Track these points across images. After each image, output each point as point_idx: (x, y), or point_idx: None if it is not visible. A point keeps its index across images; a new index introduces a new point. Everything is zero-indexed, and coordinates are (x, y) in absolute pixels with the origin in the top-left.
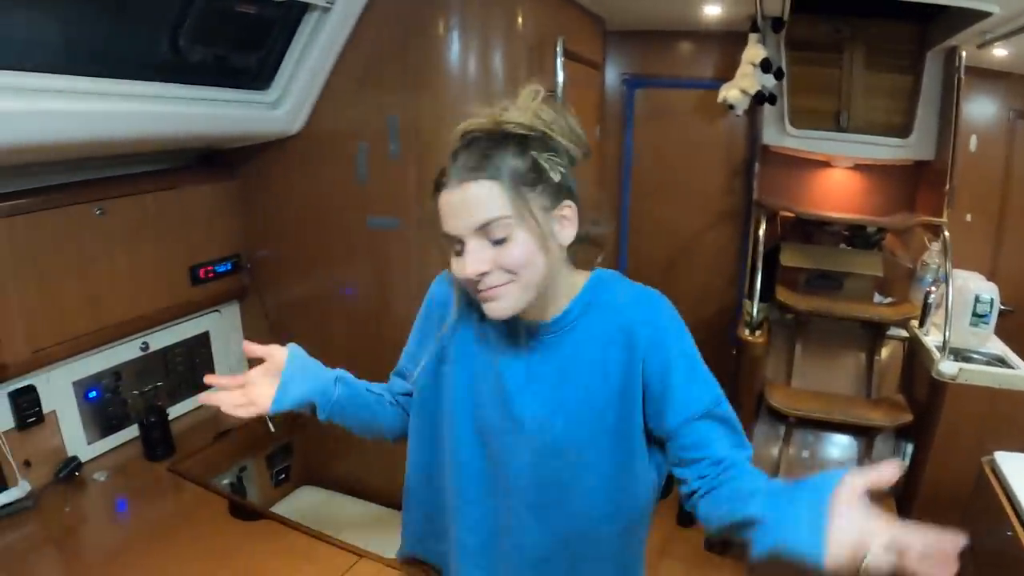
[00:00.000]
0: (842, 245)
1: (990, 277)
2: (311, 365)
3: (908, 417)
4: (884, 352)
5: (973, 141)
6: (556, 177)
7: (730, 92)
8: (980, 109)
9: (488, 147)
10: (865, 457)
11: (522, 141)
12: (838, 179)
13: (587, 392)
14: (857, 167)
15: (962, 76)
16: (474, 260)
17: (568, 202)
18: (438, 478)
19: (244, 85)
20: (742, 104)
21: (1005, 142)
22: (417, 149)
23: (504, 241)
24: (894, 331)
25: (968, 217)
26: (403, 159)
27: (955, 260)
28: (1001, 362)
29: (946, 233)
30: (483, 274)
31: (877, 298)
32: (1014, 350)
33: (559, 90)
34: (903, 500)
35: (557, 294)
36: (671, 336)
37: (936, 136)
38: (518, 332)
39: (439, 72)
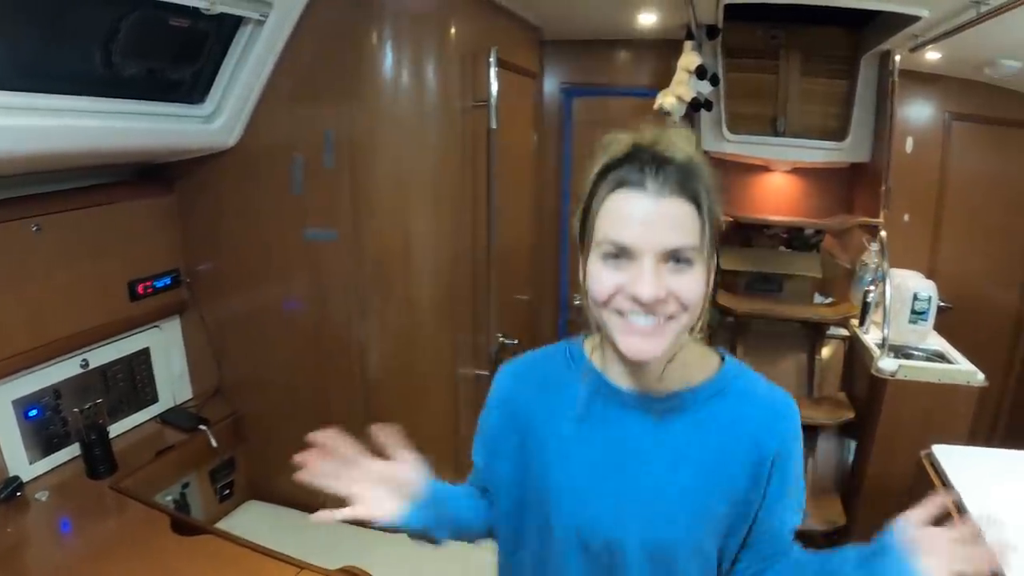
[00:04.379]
0: (781, 248)
1: (929, 275)
2: (439, 495)
3: (850, 414)
4: (825, 351)
5: (909, 143)
6: (717, 224)
7: (666, 99)
8: (916, 112)
9: (685, 168)
10: (808, 455)
11: (697, 174)
12: (776, 183)
13: (704, 489)
14: (795, 171)
15: (895, 80)
16: (653, 282)
17: (717, 258)
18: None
19: (179, 99)
20: (678, 111)
21: (941, 143)
22: (351, 160)
23: (683, 272)
24: (835, 330)
25: (906, 217)
26: (338, 170)
27: (894, 259)
28: (941, 358)
29: (883, 233)
30: (659, 301)
31: (817, 298)
32: (954, 345)
33: (492, 100)
34: (847, 496)
35: (687, 363)
36: (795, 453)
37: (872, 139)
38: (632, 406)
39: (372, 84)
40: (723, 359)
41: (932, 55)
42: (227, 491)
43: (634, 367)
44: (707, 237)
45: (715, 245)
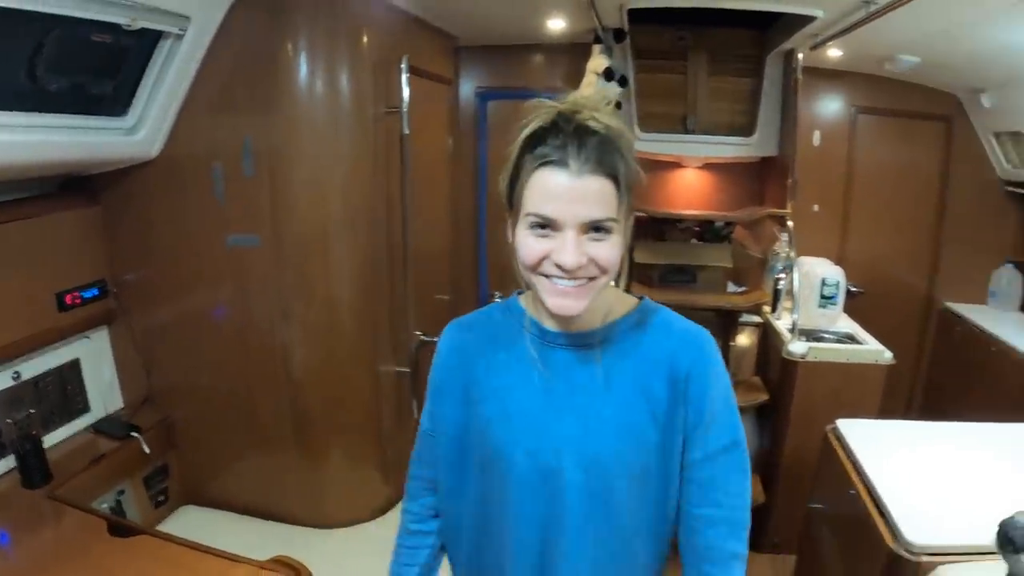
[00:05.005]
0: (694, 240)
1: (839, 262)
2: None
3: (764, 396)
4: (741, 339)
5: (817, 136)
6: (632, 193)
7: None
8: (823, 106)
9: (605, 141)
10: None
11: (616, 144)
12: (688, 178)
13: (631, 407)
14: (706, 166)
15: (799, 77)
16: (575, 252)
17: (634, 215)
18: (483, 517)
19: (102, 112)
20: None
21: (847, 136)
22: (270, 168)
23: (601, 240)
24: (749, 318)
25: (815, 207)
26: (258, 178)
27: (806, 248)
28: (851, 339)
29: (790, 223)
30: (581, 266)
31: (731, 288)
32: (867, 328)
33: (404, 106)
34: (766, 475)
35: (608, 304)
36: (715, 375)
37: (779, 134)
38: (557, 343)
39: (288, 93)
40: (641, 298)
41: (834, 52)
42: (162, 497)
43: (561, 319)
44: (624, 206)
45: (631, 208)
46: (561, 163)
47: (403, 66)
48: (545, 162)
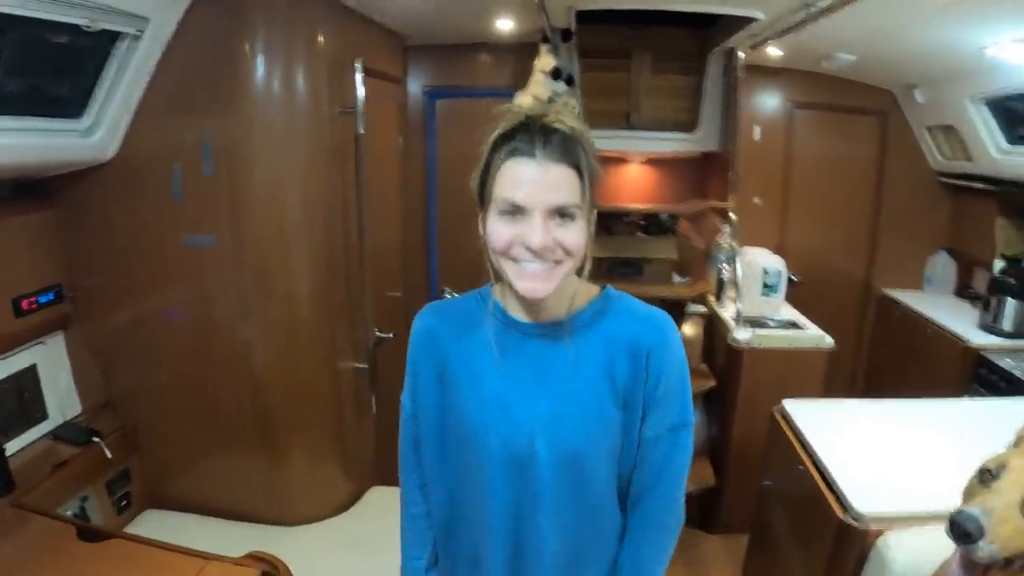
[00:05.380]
0: (639, 233)
1: (779, 252)
2: None
3: (711, 383)
4: (688, 328)
5: (757, 131)
6: (596, 185)
7: (523, 100)
8: (763, 102)
9: (568, 139)
10: None
11: (579, 141)
12: (633, 173)
13: (598, 389)
14: (650, 161)
15: (739, 74)
16: (542, 234)
17: (595, 210)
18: (461, 495)
19: (57, 113)
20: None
21: (785, 131)
22: (229, 167)
23: (566, 225)
24: (695, 308)
25: (756, 200)
26: (216, 178)
27: (747, 239)
28: (793, 326)
29: (733, 215)
30: (548, 248)
31: (676, 279)
32: (807, 315)
33: (359, 105)
34: (716, 458)
35: (574, 293)
36: (673, 354)
37: (720, 129)
38: (536, 331)
39: (246, 93)
40: (603, 287)
41: (774, 51)
42: (124, 502)
43: (529, 303)
44: (587, 196)
45: (594, 201)
46: (528, 154)
47: (357, 66)
48: (513, 153)
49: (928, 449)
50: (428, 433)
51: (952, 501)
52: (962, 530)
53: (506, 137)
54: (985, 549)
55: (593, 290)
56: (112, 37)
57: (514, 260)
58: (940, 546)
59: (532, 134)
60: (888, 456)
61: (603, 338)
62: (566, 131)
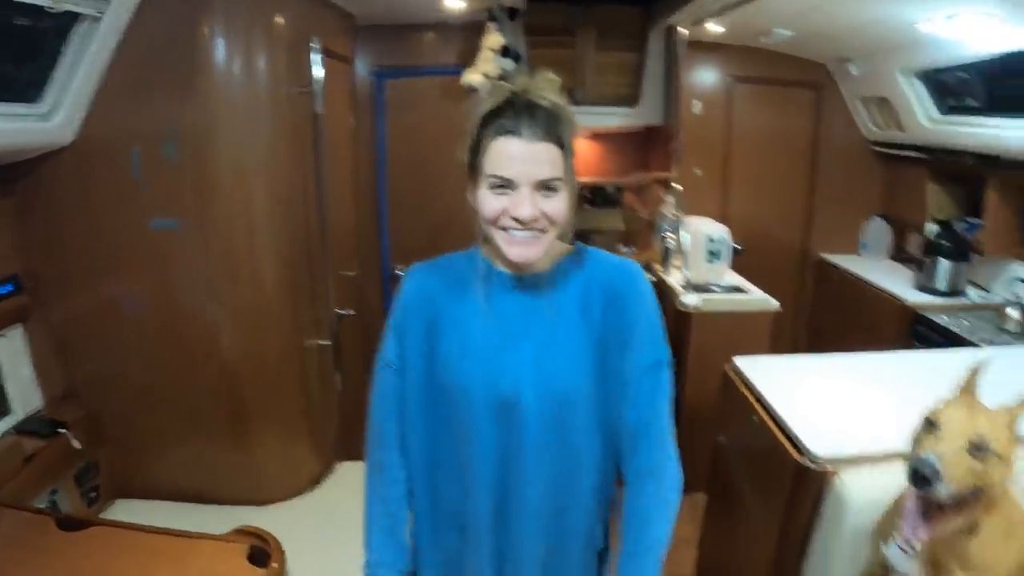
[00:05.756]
0: (586, 206)
1: (721, 220)
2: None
3: None
4: None
5: (697, 105)
6: (575, 157)
7: (473, 76)
8: (703, 77)
9: (551, 115)
10: None
11: (561, 116)
12: (579, 148)
13: (577, 336)
14: (595, 136)
15: (680, 50)
16: (530, 206)
17: (577, 179)
18: (446, 446)
19: (15, 97)
20: (485, 87)
21: (725, 104)
22: (191, 149)
23: (551, 197)
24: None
25: (697, 171)
26: (178, 160)
27: (689, 209)
28: (738, 290)
29: (676, 186)
30: (535, 219)
31: (623, 249)
32: (750, 280)
33: (317, 85)
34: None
35: (554, 252)
36: (643, 296)
37: (662, 104)
38: (519, 286)
39: (207, 74)
40: (575, 243)
41: (714, 27)
42: (94, 493)
43: (516, 266)
44: (569, 169)
45: (575, 172)
46: (515, 132)
47: (315, 46)
48: (502, 132)
49: (874, 397)
50: (414, 386)
51: (899, 442)
52: (920, 475)
53: (494, 114)
54: (943, 490)
55: (567, 247)
56: (72, 19)
57: (503, 229)
58: (891, 482)
59: (518, 112)
60: (837, 404)
61: (580, 286)
62: (549, 107)
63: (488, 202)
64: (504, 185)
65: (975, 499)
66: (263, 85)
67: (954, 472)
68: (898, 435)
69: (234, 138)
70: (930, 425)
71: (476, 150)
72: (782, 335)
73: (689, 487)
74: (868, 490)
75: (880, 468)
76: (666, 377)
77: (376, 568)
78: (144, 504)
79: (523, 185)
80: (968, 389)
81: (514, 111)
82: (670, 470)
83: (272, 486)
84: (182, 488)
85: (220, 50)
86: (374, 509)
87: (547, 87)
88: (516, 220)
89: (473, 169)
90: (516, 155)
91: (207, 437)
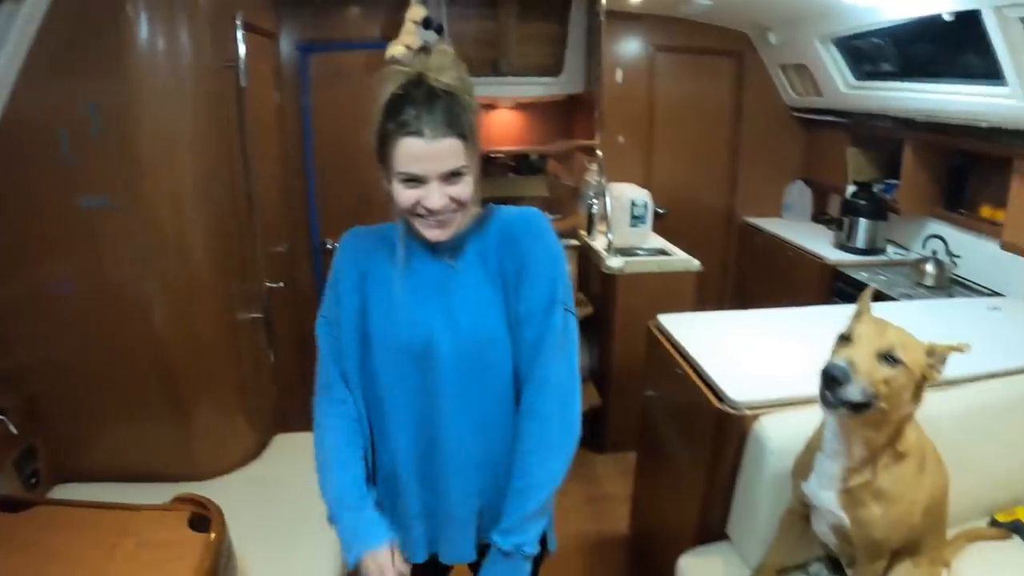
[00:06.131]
0: (511, 174)
1: (645, 186)
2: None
3: (589, 310)
4: None
5: (619, 74)
6: (477, 129)
7: (396, 49)
8: (625, 46)
9: (449, 104)
10: None
11: (460, 100)
12: (503, 118)
13: (481, 285)
14: (518, 106)
15: (602, 20)
16: (440, 196)
17: (480, 151)
18: (375, 395)
19: None
20: (406, 58)
21: (647, 72)
22: (118, 127)
23: (458, 182)
24: (569, 241)
25: (621, 139)
26: (104, 139)
27: (615, 175)
28: (662, 252)
29: (599, 153)
30: (444, 207)
31: (550, 216)
32: (675, 243)
33: (241, 63)
34: (600, 382)
35: (465, 218)
36: (541, 238)
37: (584, 73)
38: (433, 252)
39: (131, 53)
40: (486, 204)
41: None
42: (34, 479)
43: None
44: (472, 151)
45: (479, 150)
46: (418, 132)
47: (238, 21)
48: (405, 132)
49: (792, 347)
50: (349, 340)
51: (815, 388)
52: (831, 376)
53: (394, 107)
54: (854, 388)
55: (477, 210)
56: None
57: (419, 215)
58: (808, 424)
59: (418, 107)
60: (756, 355)
61: (484, 241)
62: (446, 93)
63: (402, 195)
64: (414, 179)
65: (884, 419)
66: (187, 61)
67: (863, 372)
68: (814, 381)
69: (160, 114)
70: (843, 339)
71: (383, 142)
72: (709, 295)
73: (622, 445)
74: (786, 432)
75: (797, 412)
76: (561, 319)
77: (338, 508)
78: (86, 487)
79: (431, 179)
80: (863, 308)
81: (414, 105)
82: (557, 413)
83: (210, 460)
84: (123, 467)
85: (144, 28)
86: (327, 439)
87: (444, 64)
88: (428, 210)
89: (383, 160)
90: (420, 154)
91: (144, 415)
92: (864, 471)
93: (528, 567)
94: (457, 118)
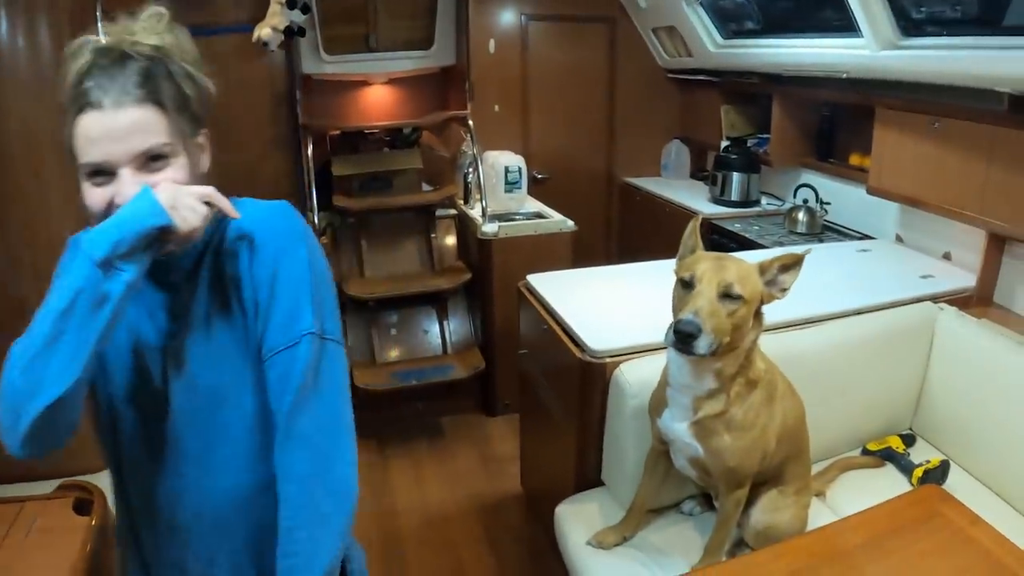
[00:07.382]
0: (385, 149)
1: (524, 154)
2: None
3: (467, 276)
4: (441, 231)
5: (492, 44)
6: (195, 104)
7: (263, 31)
8: (496, 17)
9: (145, 68)
10: (443, 319)
11: (165, 65)
12: (377, 94)
13: (215, 320)
14: (391, 81)
15: None
16: (135, 188)
17: (205, 129)
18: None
19: None
20: (275, 40)
21: (520, 41)
22: None
23: (163, 169)
24: (447, 211)
25: (496, 108)
26: None
27: (492, 144)
28: (538, 216)
29: (471, 123)
30: None
31: (427, 187)
32: (554, 207)
33: None
34: (484, 345)
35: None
36: (284, 255)
37: (455, 44)
38: (153, 275)
39: None
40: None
41: None
42: None
43: None
44: (184, 125)
45: (200, 125)
46: (95, 104)
47: (98, 13)
48: (82, 106)
49: (652, 297)
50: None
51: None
52: (685, 333)
53: (77, 83)
54: (703, 343)
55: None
56: None
57: None
58: (660, 367)
59: (100, 75)
60: (618, 306)
61: (219, 257)
62: (146, 57)
63: (91, 196)
64: (101, 172)
65: (731, 350)
66: (47, 55)
67: (711, 323)
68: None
69: (22, 112)
70: (686, 284)
71: (70, 135)
72: (593, 255)
73: (510, 408)
74: (644, 377)
75: (655, 357)
76: (313, 352)
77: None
78: None
79: (121, 166)
80: (695, 243)
81: (96, 75)
82: (321, 473)
83: (93, 454)
84: (6, 469)
85: (3, 25)
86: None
87: (150, 27)
88: None
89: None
90: (100, 133)
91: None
92: (715, 401)
93: None
94: (154, 82)
